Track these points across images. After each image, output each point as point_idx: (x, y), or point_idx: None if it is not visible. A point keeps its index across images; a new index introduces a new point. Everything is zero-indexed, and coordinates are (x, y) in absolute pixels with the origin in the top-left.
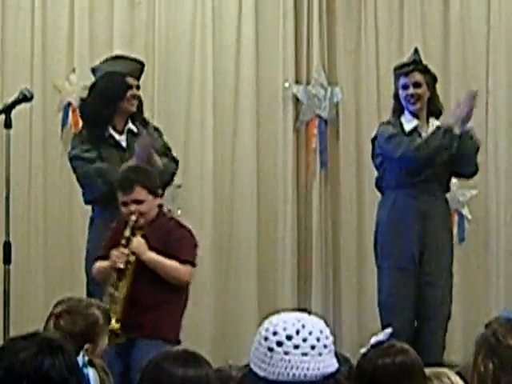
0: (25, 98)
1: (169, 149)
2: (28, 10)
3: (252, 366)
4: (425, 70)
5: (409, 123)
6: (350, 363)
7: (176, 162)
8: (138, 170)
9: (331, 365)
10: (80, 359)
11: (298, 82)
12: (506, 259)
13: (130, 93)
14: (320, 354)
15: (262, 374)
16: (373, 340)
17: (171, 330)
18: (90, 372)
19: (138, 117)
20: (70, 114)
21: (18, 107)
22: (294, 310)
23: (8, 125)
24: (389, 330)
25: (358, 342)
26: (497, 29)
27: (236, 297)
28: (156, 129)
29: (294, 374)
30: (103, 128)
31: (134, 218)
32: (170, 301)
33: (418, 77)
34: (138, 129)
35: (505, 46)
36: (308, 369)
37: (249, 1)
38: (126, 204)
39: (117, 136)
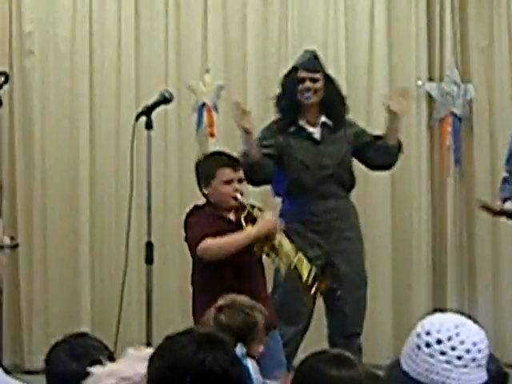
0: (165, 99)
1: None
2: (162, 12)
3: (401, 356)
4: None
5: None
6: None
7: None
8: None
9: (477, 379)
10: (238, 351)
11: (431, 79)
12: None
13: (301, 86)
14: (465, 366)
15: (405, 367)
16: None
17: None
18: (249, 363)
19: (332, 111)
20: (205, 114)
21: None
22: (454, 311)
23: (149, 126)
24: None
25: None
26: None
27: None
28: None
29: (432, 379)
30: (289, 120)
31: (239, 196)
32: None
33: None
34: (334, 123)
35: None
36: (448, 377)
37: (381, 1)
38: (230, 182)
39: (310, 128)
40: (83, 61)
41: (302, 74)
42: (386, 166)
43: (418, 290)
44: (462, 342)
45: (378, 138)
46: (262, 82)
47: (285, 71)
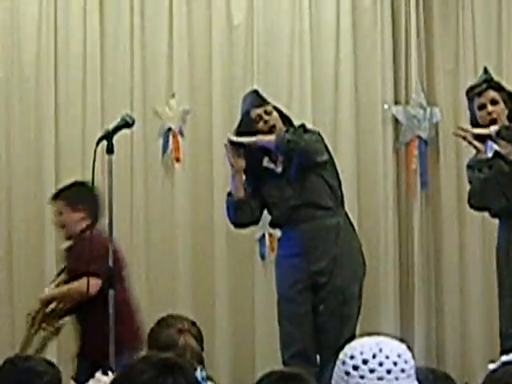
0: (126, 123)
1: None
2: (127, 37)
3: None
4: (499, 88)
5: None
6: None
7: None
8: None
9: None
10: (199, 374)
11: (397, 102)
12: None
13: (260, 123)
14: (397, 379)
15: None
16: (504, 358)
17: None
18: None
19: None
20: (171, 139)
21: (120, 133)
22: (387, 335)
23: (110, 150)
24: None
25: (461, 364)
26: None
27: None
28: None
29: None
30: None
31: None
32: None
33: (493, 94)
34: None
35: None
36: None
37: (346, 22)
38: None
39: (270, 164)
40: (48, 84)
41: (255, 112)
42: None
43: (386, 313)
44: (387, 357)
45: None
46: (227, 107)
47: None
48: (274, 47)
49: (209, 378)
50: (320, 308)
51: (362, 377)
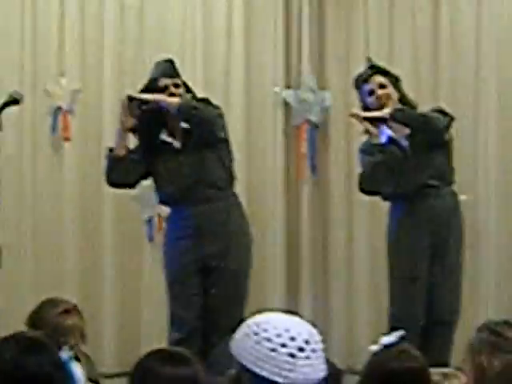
0: (14, 100)
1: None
2: (18, 15)
3: (266, 374)
4: (385, 72)
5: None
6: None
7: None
8: None
9: (326, 367)
10: (65, 354)
11: (288, 86)
12: (495, 263)
13: (166, 94)
14: (322, 357)
15: (282, 380)
16: (384, 340)
17: None
18: (75, 366)
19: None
20: (60, 118)
21: (9, 110)
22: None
23: None
24: (400, 333)
25: (346, 346)
26: (486, 41)
27: None
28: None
29: (314, 378)
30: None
31: None
32: None
33: (380, 78)
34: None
35: (494, 54)
36: (321, 371)
37: (239, 5)
38: None
39: (168, 138)
40: None
41: (164, 81)
42: None
43: (272, 296)
44: (315, 334)
45: None
46: (118, 87)
47: (143, 80)
48: (166, 29)
49: (76, 358)
50: (212, 291)
51: (307, 357)
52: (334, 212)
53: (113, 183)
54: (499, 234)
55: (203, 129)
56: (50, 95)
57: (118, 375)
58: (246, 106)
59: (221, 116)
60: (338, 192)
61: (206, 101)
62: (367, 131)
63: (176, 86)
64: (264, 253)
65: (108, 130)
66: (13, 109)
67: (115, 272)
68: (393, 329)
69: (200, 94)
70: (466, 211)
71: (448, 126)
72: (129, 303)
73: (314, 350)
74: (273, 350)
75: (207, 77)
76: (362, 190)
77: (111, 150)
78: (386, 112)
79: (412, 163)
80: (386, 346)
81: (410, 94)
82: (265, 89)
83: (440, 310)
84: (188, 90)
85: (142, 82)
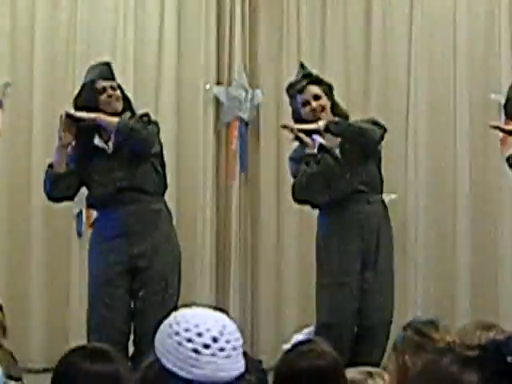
0: None
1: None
2: None
3: (170, 366)
4: (318, 81)
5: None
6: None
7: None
8: None
9: (242, 365)
10: None
11: (219, 83)
12: (424, 263)
13: (103, 96)
14: (235, 350)
15: (188, 376)
16: (295, 338)
17: None
18: None
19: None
20: None
21: None
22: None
23: None
24: (310, 329)
25: (275, 345)
26: (419, 43)
27: None
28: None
29: (221, 377)
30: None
31: None
32: None
33: (314, 89)
34: None
35: (427, 54)
36: (231, 370)
37: (172, 4)
38: None
39: (100, 143)
40: None
41: (101, 84)
42: None
43: (202, 296)
44: (230, 333)
45: None
46: (49, 82)
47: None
48: (98, 24)
49: None
50: (140, 293)
51: (213, 355)
52: (263, 209)
53: (54, 198)
54: (427, 237)
55: (139, 148)
56: None
57: (44, 371)
58: (177, 102)
59: (158, 133)
60: (268, 189)
61: (144, 117)
62: (299, 140)
63: (112, 88)
64: (193, 253)
65: (37, 125)
66: None
67: (43, 268)
68: (320, 335)
69: (131, 89)
70: (396, 214)
71: (381, 138)
72: (57, 299)
73: (222, 349)
74: (179, 343)
75: (138, 73)
76: (296, 199)
77: (51, 165)
78: (320, 125)
79: (344, 171)
80: (297, 344)
81: (342, 95)
82: (196, 85)
83: (372, 315)
84: (122, 92)
85: (72, 78)
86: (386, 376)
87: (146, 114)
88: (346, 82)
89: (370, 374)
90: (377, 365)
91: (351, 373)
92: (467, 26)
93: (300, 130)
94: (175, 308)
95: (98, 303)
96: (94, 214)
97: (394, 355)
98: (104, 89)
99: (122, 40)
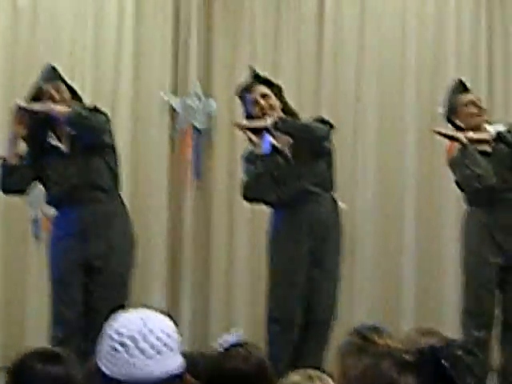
0: None
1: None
2: None
3: (99, 362)
4: (267, 82)
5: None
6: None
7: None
8: None
9: (175, 362)
10: None
11: (175, 93)
12: (371, 267)
13: (45, 99)
14: (160, 353)
15: (107, 372)
16: (221, 341)
17: None
18: None
19: None
20: None
21: None
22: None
23: None
24: (239, 333)
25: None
26: (368, 50)
27: None
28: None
29: (138, 377)
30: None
31: None
32: None
33: (262, 88)
34: None
35: (377, 62)
36: (152, 371)
37: (129, 12)
38: None
39: (55, 142)
40: None
41: (45, 86)
42: None
43: (154, 297)
44: (151, 331)
45: None
46: (8, 86)
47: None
48: (58, 31)
49: None
50: (94, 292)
51: (131, 355)
52: (216, 217)
53: (6, 191)
54: (375, 241)
55: (91, 136)
56: None
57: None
58: (133, 110)
59: (108, 123)
60: (221, 197)
61: (94, 109)
62: (250, 140)
63: (57, 89)
64: (147, 255)
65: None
66: None
67: (1, 271)
68: (269, 330)
69: (88, 98)
70: (345, 220)
71: (328, 134)
72: (14, 299)
73: (142, 350)
74: (104, 341)
75: (95, 81)
76: (246, 198)
77: (3, 158)
78: (268, 122)
79: (294, 171)
80: (230, 346)
81: (293, 101)
82: (152, 94)
83: (317, 313)
84: (74, 93)
85: (32, 79)
86: (327, 379)
87: (95, 106)
88: (297, 90)
89: (310, 377)
90: (320, 363)
91: (291, 375)
92: (416, 39)
93: (249, 129)
94: (123, 307)
95: (56, 299)
96: (53, 214)
97: (338, 359)
98: (48, 92)
99: (80, 46)
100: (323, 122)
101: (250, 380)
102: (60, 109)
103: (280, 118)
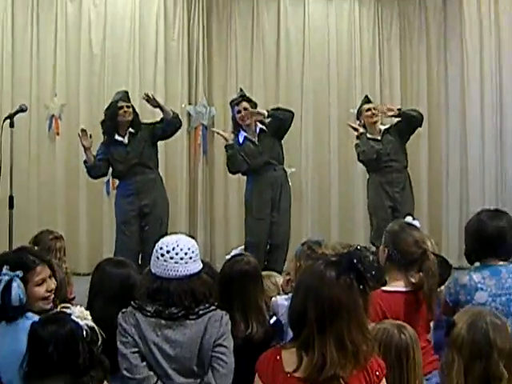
0: (21, 110)
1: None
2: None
3: (150, 266)
4: (249, 100)
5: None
6: (212, 268)
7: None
8: None
9: (195, 268)
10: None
11: (190, 103)
12: (310, 205)
13: (121, 111)
14: (186, 262)
15: (153, 270)
16: (232, 252)
17: None
18: (15, 283)
19: (135, 124)
20: (54, 121)
21: (21, 116)
22: (181, 233)
23: (11, 125)
24: (242, 247)
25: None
26: (307, 77)
27: None
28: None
29: (169, 274)
30: (112, 134)
31: None
32: None
33: (245, 104)
34: (135, 131)
35: (313, 81)
36: (177, 270)
37: (161, 51)
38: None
39: (120, 138)
40: None
41: (121, 103)
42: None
43: (180, 225)
44: (181, 249)
45: None
46: (88, 103)
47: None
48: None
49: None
50: (146, 228)
51: (165, 261)
52: (217, 180)
53: (93, 177)
54: (313, 192)
55: (175, 129)
56: (48, 107)
57: (87, 274)
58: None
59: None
60: (220, 167)
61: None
62: (223, 137)
63: (128, 106)
64: (175, 205)
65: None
66: (22, 115)
67: (86, 213)
68: (247, 249)
69: (138, 108)
70: (293, 179)
71: (293, 118)
72: (95, 232)
73: (171, 257)
74: (153, 253)
75: (142, 101)
76: (230, 171)
77: (85, 161)
78: (264, 112)
79: (260, 150)
80: (234, 256)
81: (262, 109)
82: (176, 104)
83: (278, 237)
84: (134, 111)
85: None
86: (278, 278)
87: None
88: (264, 103)
89: (268, 276)
90: (281, 268)
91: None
92: (335, 60)
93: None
94: (164, 235)
95: (120, 234)
96: (116, 181)
97: (294, 261)
98: (121, 107)
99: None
100: (286, 110)
101: (250, 276)
102: (167, 109)
103: (272, 109)
